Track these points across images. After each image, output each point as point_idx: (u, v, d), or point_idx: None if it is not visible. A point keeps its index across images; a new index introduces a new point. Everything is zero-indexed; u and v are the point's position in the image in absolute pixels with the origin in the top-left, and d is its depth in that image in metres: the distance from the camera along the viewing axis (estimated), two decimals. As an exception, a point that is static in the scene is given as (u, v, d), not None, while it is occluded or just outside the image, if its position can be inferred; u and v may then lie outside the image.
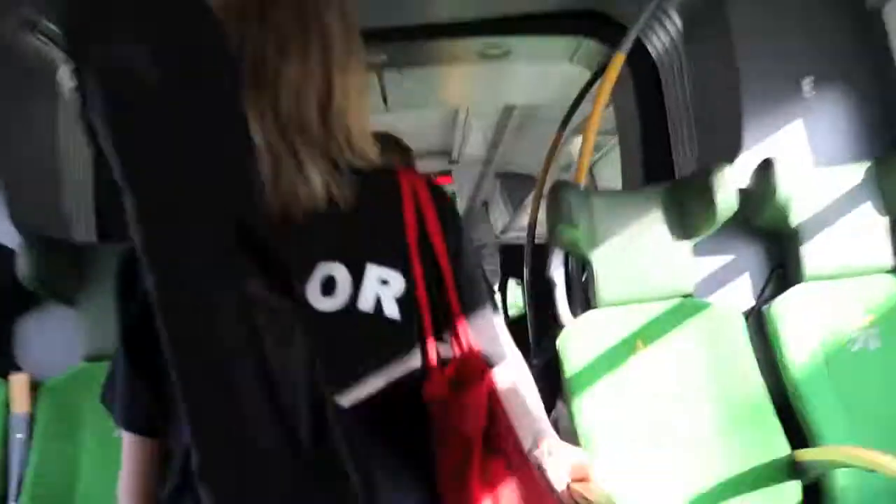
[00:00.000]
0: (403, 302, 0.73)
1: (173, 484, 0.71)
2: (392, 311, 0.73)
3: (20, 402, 1.53)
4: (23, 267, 1.52)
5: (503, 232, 5.52)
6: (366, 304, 0.72)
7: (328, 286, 0.72)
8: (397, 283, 0.73)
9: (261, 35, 0.74)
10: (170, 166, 0.53)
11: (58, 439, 1.52)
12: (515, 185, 4.61)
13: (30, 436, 1.52)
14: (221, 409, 0.54)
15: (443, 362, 0.75)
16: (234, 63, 0.59)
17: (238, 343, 0.54)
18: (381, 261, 0.73)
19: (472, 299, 0.79)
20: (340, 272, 0.72)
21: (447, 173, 4.46)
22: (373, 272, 0.73)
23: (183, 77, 0.53)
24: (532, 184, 4.70)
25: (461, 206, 5.70)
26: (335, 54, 0.76)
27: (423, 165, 3.88)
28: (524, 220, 4.67)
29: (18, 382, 1.55)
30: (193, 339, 0.53)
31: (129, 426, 0.77)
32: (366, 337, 0.73)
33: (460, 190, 5.28)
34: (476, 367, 0.76)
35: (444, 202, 0.80)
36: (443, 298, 0.77)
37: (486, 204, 5.58)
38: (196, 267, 0.53)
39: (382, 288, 0.73)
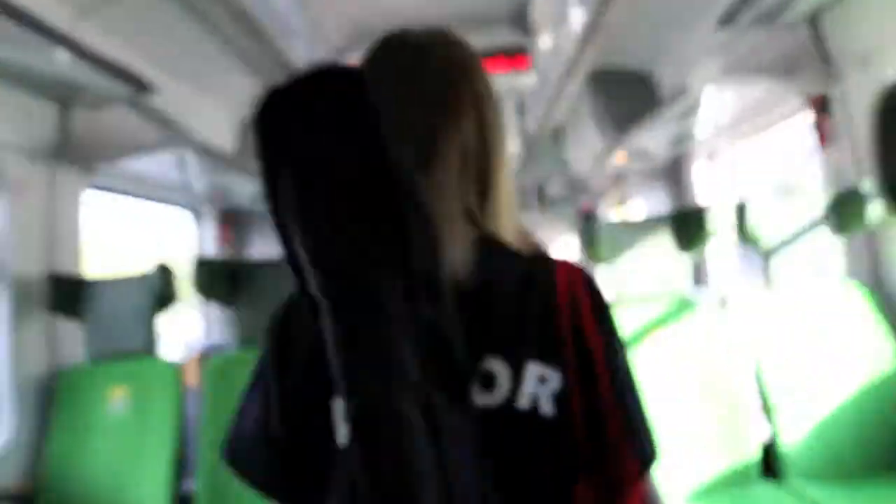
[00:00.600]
0: (559, 400, 0.70)
1: None
2: (548, 409, 0.69)
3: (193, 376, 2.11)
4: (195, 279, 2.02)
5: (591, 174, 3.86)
6: (523, 402, 0.69)
7: (488, 381, 0.69)
8: (554, 380, 0.70)
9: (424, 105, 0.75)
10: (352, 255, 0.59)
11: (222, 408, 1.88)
12: (622, 90, 2.90)
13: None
14: None
15: (593, 463, 0.70)
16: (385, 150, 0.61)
17: (426, 466, 0.57)
18: (541, 358, 0.70)
19: (625, 399, 0.72)
20: (501, 368, 0.69)
21: (517, 53, 2.67)
22: (533, 370, 0.70)
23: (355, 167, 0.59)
24: (648, 89, 3.01)
25: (529, 129, 4.05)
26: (490, 125, 0.77)
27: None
28: (639, 144, 2.92)
29: (192, 361, 2.23)
30: (386, 463, 0.56)
31: (274, 495, 0.73)
32: (523, 437, 0.69)
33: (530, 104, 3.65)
34: (631, 473, 0.70)
35: (600, 298, 0.75)
36: (596, 397, 0.71)
37: (556, 133, 3.92)
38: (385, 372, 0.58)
39: (541, 386, 0.70)
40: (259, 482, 0.73)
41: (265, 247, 3.78)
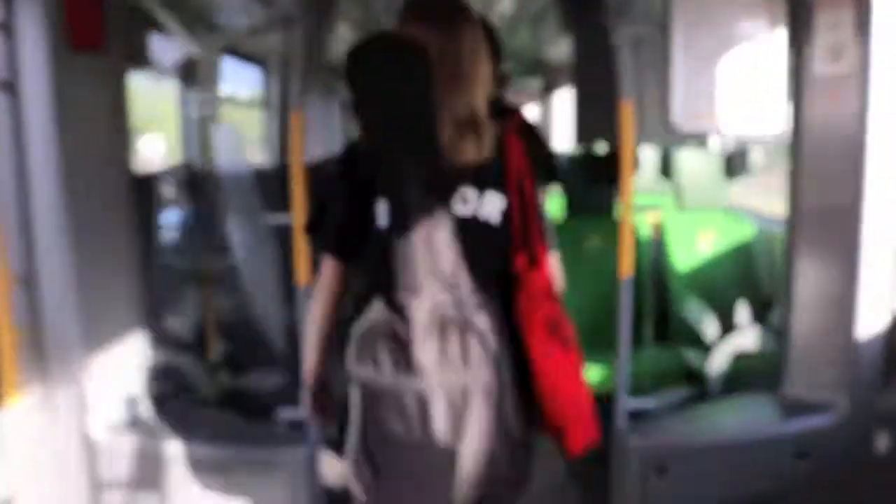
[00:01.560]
0: (503, 213, 1.35)
1: (348, 315, 1.43)
2: (497, 219, 1.35)
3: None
4: None
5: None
6: (484, 213, 1.35)
7: (465, 200, 1.34)
8: (502, 202, 1.35)
9: (458, 51, 1.35)
10: (392, 131, 1.31)
11: None
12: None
13: None
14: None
15: (524, 248, 1.37)
16: (430, 76, 1.27)
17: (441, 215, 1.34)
18: (494, 188, 1.35)
19: (544, 214, 1.41)
20: (473, 193, 1.34)
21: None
22: (489, 195, 1.35)
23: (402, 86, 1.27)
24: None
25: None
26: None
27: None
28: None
29: None
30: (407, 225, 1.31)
31: (336, 253, 1.41)
32: (483, 233, 1.35)
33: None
34: (543, 251, 1.38)
35: (534, 148, 1.42)
36: (526, 211, 1.36)
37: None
38: (410, 188, 1.31)
39: (494, 205, 1.35)
40: (334, 251, 1.40)
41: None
